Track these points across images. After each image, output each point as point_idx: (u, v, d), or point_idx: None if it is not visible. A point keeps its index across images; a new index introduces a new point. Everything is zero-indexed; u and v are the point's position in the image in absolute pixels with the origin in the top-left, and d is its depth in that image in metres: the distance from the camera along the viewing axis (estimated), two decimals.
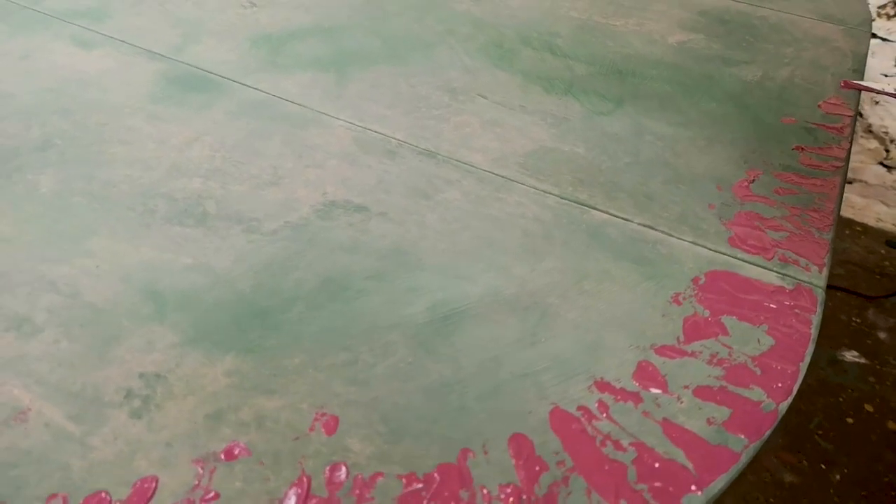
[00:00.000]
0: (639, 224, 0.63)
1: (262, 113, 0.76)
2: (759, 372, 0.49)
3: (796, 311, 0.54)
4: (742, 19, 1.02)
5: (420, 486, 0.42)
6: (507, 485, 0.42)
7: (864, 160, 1.74)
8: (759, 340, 0.52)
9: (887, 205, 1.78)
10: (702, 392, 0.48)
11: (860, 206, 1.81)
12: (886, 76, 1.65)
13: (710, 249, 0.60)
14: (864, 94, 1.59)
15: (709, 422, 0.46)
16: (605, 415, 0.46)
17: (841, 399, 1.37)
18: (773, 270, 0.58)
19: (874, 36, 1.59)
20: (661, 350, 0.51)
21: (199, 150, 0.70)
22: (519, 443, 0.44)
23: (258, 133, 0.73)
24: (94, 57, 0.86)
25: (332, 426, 0.45)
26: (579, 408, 0.47)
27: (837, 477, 1.23)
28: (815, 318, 0.53)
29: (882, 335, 1.50)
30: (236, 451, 0.44)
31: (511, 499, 0.41)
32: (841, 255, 1.71)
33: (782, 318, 0.53)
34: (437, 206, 0.64)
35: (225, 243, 0.59)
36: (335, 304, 0.54)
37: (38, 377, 0.48)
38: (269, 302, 0.54)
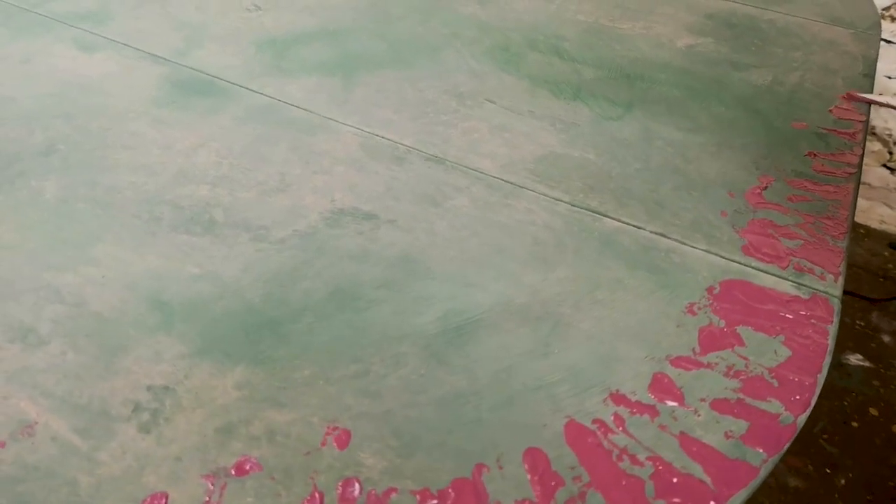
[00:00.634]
0: (651, 232, 0.62)
1: (269, 118, 0.75)
2: (776, 384, 0.48)
3: (812, 321, 0.53)
4: (749, 23, 1.01)
5: (434, 502, 0.41)
6: (523, 500, 0.41)
7: (867, 162, 1.74)
8: (775, 351, 0.51)
9: (891, 207, 1.77)
10: (719, 405, 0.47)
11: (864, 209, 1.80)
12: (890, 78, 1.65)
13: (724, 258, 0.59)
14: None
15: (726, 435, 0.45)
16: (621, 428, 0.45)
17: (845, 403, 1.36)
18: (788, 279, 0.57)
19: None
20: (677, 361, 0.50)
21: (206, 156, 0.69)
22: (534, 457, 0.44)
23: (265, 139, 0.72)
24: (96, 60, 0.85)
25: (344, 440, 0.44)
26: (595, 421, 0.46)
27: (843, 481, 1.23)
28: (832, 329, 0.53)
29: (886, 338, 1.50)
30: (247, 466, 0.43)
31: None
32: None
33: (799, 328, 0.53)
34: (446, 214, 0.63)
35: (233, 252, 0.58)
36: (345, 315, 0.53)
37: (44, 389, 0.47)
38: (278, 312, 0.53)
